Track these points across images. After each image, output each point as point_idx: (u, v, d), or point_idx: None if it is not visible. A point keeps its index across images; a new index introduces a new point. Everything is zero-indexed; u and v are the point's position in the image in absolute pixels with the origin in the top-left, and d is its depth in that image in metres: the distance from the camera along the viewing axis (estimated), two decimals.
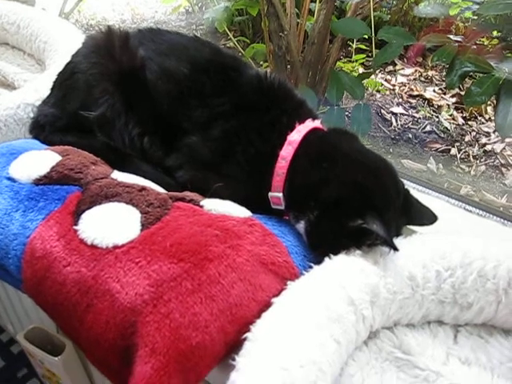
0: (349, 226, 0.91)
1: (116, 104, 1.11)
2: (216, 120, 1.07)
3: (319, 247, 0.96)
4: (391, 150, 2.52)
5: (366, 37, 1.97)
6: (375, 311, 0.86)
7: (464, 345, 0.90)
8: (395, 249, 0.88)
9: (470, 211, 1.18)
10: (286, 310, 0.81)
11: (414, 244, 0.94)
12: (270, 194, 1.02)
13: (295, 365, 0.72)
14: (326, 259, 0.90)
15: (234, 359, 0.76)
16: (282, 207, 1.02)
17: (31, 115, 1.31)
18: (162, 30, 1.23)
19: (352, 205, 0.93)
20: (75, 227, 0.90)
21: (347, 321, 0.82)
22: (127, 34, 1.18)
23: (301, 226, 0.98)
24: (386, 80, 3.12)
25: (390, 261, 0.89)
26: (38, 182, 0.99)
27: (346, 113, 2.19)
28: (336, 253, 0.91)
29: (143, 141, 1.12)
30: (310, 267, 0.90)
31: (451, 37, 1.83)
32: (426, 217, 1.02)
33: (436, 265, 0.89)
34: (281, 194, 1.01)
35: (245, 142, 1.03)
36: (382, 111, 2.84)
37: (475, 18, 2.61)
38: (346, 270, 0.87)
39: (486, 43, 2.27)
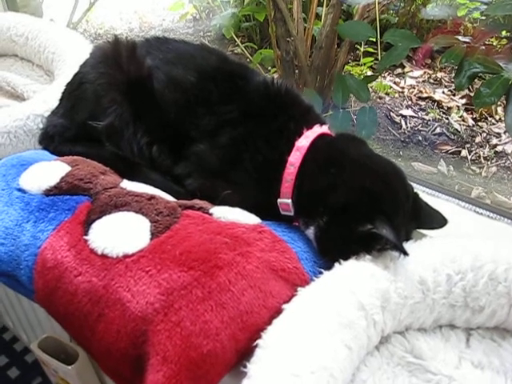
0: (358, 231, 0.91)
1: (124, 113, 1.12)
2: (223, 127, 1.07)
3: (329, 253, 0.96)
4: (401, 152, 2.51)
5: (374, 40, 1.96)
6: (386, 316, 0.86)
7: (476, 348, 0.90)
8: (405, 253, 0.87)
9: (481, 214, 1.17)
10: (296, 317, 0.81)
11: (423, 248, 0.93)
12: (279, 200, 1.02)
13: (306, 371, 0.72)
14: (336, 265, 0.90)
15: (245, 366, 0.76)
16: (292, 213, 1.02)
17: (41, 126, 1.32)
18: (169, 39, 1.24)
19: (361, 210, 0.93)
20: (85, 237, 0.90)
21: (358, 326, 0.82)
22: (134, 43, 1.19)
23: (310, 231, 0.98)
24: (394, 83, 3.11)
25: (400, 265, 0.89)
26: (48, 192, 1.00)
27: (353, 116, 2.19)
28: (346, 258, 0.91)
29: (152, 150, 1.13)
30: (320, 273, 0.90)
31: (459, 38, 1.82)
32: (436, 220, 1.02)
33: (446, 268, 0.89)
34: (290, 200, 1.01)
35: (252, 148, 1.04)
36: (392, 114, 2.83)
37: (483, 18, 2.61)
38: (356, 275, 0.87)
39: (495, 43, 2.26)
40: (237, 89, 1.11)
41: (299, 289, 0.86)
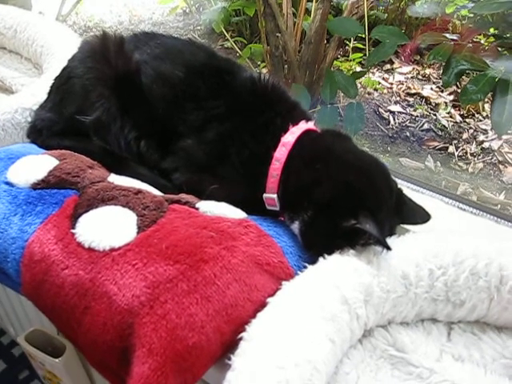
0: (342, 226, 0.92)
1: (112, 108, 1.12)
2: (210, 123, 1.08)
3: (314, 247, 0.97)
4: (389, 148, 2.53)
5: (363, 36, 1.97)
6: (369, 310, 0.87)
7: (457, 342, 0.91)
8: (388, 248, 0.89)
9: (464, 210, 1.19)
10: (280, 310, 0.82)
11: (406, 243, 0.95)
12: (265, 195, 1.03)
13: (290, 364, 0.73)
14: (320, 259, 0.92)
15: (229, 359, 0.77)
16: (277, 208, 1.03)
17: (29, 119, 1.32)
18: (157, 34, 1.24)
19: (345, 205, 0.94)
20: (73, 230, 0.91)
21: (341, 320, 0.83)
22: (122, 38, 1.19)
23: (295, 226, 0.99)
24: (383, 78, 3.12)
25: (383, 260, 0.90)
26: (35, 186, 1.00)
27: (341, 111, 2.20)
28: (330, 252, 0.92)
29: (140, 144, 1.13)
30: (305, 267, 0.92)
31: (447, 35, 1.83)
32: (420, 216, 1.03)
33: (429, 263, 0.90)
34: (275, 196, 1.02)
35: (239, 144, 1.05)
36: (380, 110, 2.85)
37: (471, 15, 2.62)
38: (339, 269, 0.88)
39: (482, 41, 2.27)
40: (224, 84, 1.11)
41: (283, 283, 0.88)
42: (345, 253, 0.92)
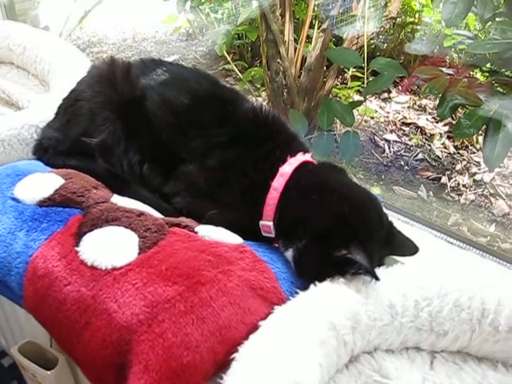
0: (334, 255, 0.96)
1: (117, 131, 1.16)
2: (213, 150, 1.12)
3: (305, 274, 1.01)
4: (383, 176, 2.55)
5: (362, 65, 2.01)
6: (356, 336, 0.91)
7: (439, 370, 0.95)
8: (376, 278, 0.93)
9: (452, 243, 1.22)
10: (272, 333, 0.85)
11: (395, 274, 0.99)
12: (261, 222, 1.07)
13: None
14: (312, 286, 0.95)
15: (222, 378, 0.80)
16: (272, 235, 1.07)
17: (35, 136, 1.35)
18: (163, 61, 1.28)
19: (337, 236, 0.98)
20: (76, 248, 0.95)
21: (329, 345, 0.87)
22: (129, 64, 1.24)
23: (289, 253, 1.03)
24: (380, 107, 3.16)
25: (371, 289, 0.94)
26: (41, 203, 1.04)
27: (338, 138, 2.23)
28: (321, 280, 0.96)
29: (143, 167, 1.17)
30: (297, 293, 0.95)
31: (443, 69, 1.87)
32: (408, 248, 1.06)
33: (415, 294, 0.94)
34: (271, 223, 1.05)
35: (240, 172, 1.08)
36: (376, 138, 2.88)
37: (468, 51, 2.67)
38: (329, 296, 0.92)
39: (478, 75, 2.31)
40: (227, 114, 1.15)
41: (276, 307, 0.91)
42: (335, 281, 0.96)
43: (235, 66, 2.86)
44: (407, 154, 2.71)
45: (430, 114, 3.15)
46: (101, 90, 1.19)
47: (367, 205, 1.04)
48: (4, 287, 1.04)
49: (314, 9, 2.41)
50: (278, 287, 0.97)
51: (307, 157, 1.11)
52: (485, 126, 1.61)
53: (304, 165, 1.09)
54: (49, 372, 1.31)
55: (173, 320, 0.83)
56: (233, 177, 1.09)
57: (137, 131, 1.17)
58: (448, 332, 0.94)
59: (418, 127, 2.99)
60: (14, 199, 1.06)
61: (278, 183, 1.05)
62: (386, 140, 2.82)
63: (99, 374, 0.87)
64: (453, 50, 2.91)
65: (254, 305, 0.92)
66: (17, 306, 1.07)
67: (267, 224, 1.06)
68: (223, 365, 0.85)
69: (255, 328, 0.88)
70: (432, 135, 2.89)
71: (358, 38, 2.35)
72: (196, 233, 1.03)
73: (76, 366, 1.30)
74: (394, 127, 3.03)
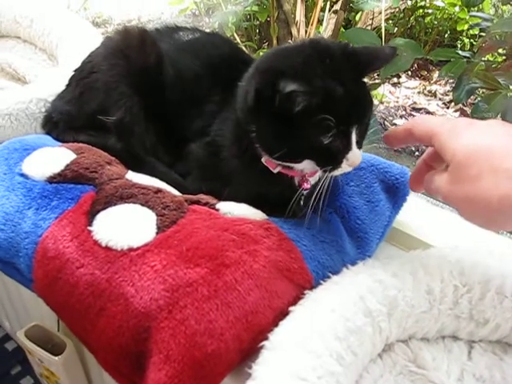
0: (274, 105, 0.82)
1: (134, 108, 1.09)
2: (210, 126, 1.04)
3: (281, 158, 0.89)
4: (393, 161, 2.51)
5: None
6: (392, 324, 0.85)
7: (478, 361, 0.89)
8: None
9: None
10: (304, 319, 0.79)
11: (432, 258, 0.92)
12: (263, 159, 0.94)
13: (313, 375, 0.71)
14: (344, 269, 0.90)
15: (249, 367, 0.75)
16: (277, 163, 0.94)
17: (43, 110, 1.29)
18: (181, 27, 1.21)
19: (266, 88, 0.83)
20: (89, 228, 0.88)
21: (365, 333, 0.81)
22: (145, 32, 1.16)
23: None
24: (390, 92, 3.12)
25: (408, 274, 0.88)
26: (51, 179, 0.97)
27: None
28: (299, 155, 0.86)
29: (158, 147, 1.11)
30: (323, 273, 0.90)
31: (459, 52, 1.83)
32: (382, 56, 0.90)
33: (454, 280, 0.88)
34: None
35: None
36: (386, 123, 2.84)
37: (483, 34, 2.62)
38: (364, 281, 0.86)
39: (494, 59, 2.27)
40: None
41: (307, 292, 0.85)
42: (369, 264, 0.91)
43: (244, 47, 2.80)
44: None
45: (440, 99, 3.11)
46: (116, 62, 1.12)
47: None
48: (13, 269, 0.98)
49: None
50: (305, 267, 0.90)
51: None
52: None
53: None
54: (56, 357, 1.27)
55: (195, 305, 0.77)
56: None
57: (153, 107, 1.10)
58: (489, 320, 0.88)
59: (428, 112, 2.96)
60: (22, 175, 0.99)
61: None
62: (396, 125, 2.77)
63: (115, 362, 0.81)
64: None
65: (281, 288, 0.86)
66: (22, 288, 1.01)
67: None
68: (248, 353, 0.79)
69: (282, 313, 0.82)
70: None
71: (371, 19, 2.31)
72: (217, 210, 0.97)
73: (84, 351, 1.26)
74: (403, 112, 2.99)
